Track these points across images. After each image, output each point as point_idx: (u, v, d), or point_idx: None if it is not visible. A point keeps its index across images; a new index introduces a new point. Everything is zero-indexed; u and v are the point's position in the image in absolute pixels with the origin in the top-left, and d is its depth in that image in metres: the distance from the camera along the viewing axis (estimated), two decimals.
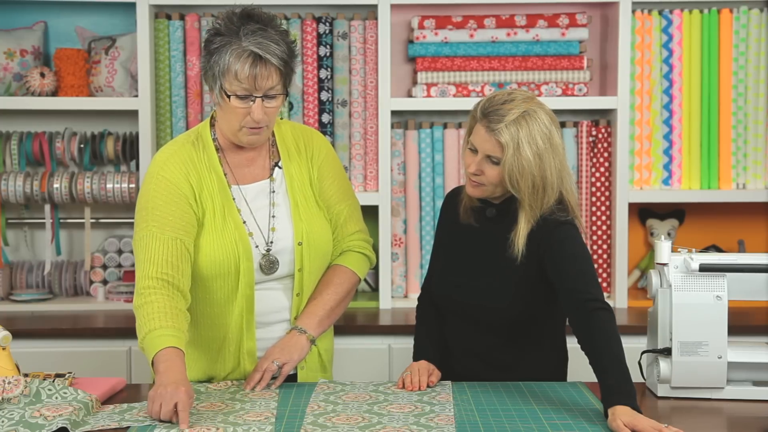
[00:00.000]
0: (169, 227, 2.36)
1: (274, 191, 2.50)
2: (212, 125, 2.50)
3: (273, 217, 2.48)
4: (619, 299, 3.63)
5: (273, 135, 2.53)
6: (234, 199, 2.45)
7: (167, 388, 2.12)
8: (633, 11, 3.62)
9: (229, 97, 2.34)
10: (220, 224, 2.42)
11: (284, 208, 2.49)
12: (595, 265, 3.20)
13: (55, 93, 3.64)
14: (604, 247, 3.69)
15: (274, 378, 2.42)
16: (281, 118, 2.55)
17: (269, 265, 2.46)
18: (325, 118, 3.64)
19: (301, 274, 2.49)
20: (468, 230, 2.53)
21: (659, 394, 2.41)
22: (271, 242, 2.47)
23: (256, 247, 2.45)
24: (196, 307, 2.47)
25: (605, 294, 3.45)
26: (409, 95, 3.71)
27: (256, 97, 2.33)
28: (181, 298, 2.34)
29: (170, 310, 2.29)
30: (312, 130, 2.61)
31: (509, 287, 2.45)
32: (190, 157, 2.44)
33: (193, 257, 2.41)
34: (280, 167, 2.51)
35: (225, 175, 2.46)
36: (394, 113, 3.66)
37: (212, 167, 2.45)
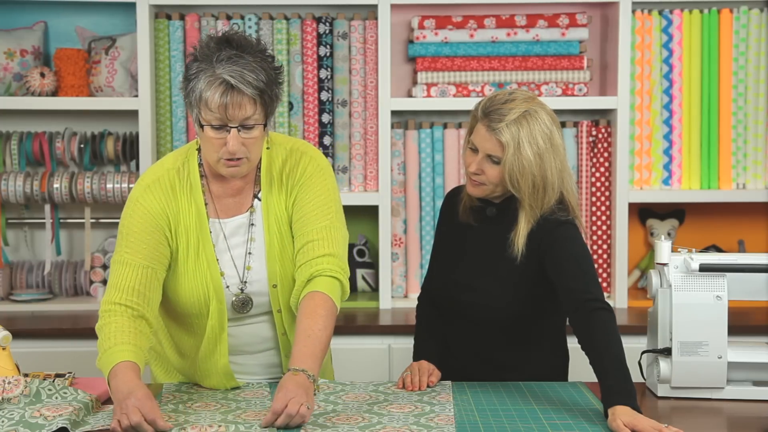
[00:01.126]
0: (141, 255, 2.29)
1: (253, 224, 2.38)
2: (199, 150, 2.39)
3: (249, 254, 2.38)
4: (619, 299, 3.63)
5: (260, 161, 2.38)
6: (211, 232, 2.36)
7: (124, 401, 2.06)
8: (633, 11, 3.62)
9: (203, 127, 2.22)
10: (193, 261, 2.34)
11: (261, 246, 2.37)
12: (595, 265, 3.20)
13: (55, 93, 3.63)
14: (604, 247, 3.69)
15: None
16: (266, 142, 2.39)
17: (241, 305, 2.37)
18: (325, 118, 3.64)
19: (281, 315, 2.40)
20: (468, 230, 2.53)
21: (659, 394, 2.41)
22: (246, 282, 2.37)
23: (228, 287, 2.36)
24: (172, 331, 2.46)
25: (605, 294, 3.45)
26: (409, 95, 3.71)
27: (232, 127, 2.20)
28: (144, 323, 2.26)
29: (128, 329, 2.22)
30: (306, 150, 2.42)
31: (509, 287, 2.45)
32: (172, 186, 2.35)
33: (164, 293, 2.35)
34: (260, 199, 2.38)
35: (206, 205, 2.36)
36: (394, 113, 3.65)
37: (193, 198, 2.35)
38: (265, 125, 2.26)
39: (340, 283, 2.31)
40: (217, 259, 2.36)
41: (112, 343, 2.20)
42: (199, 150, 2.38)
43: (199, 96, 2.19)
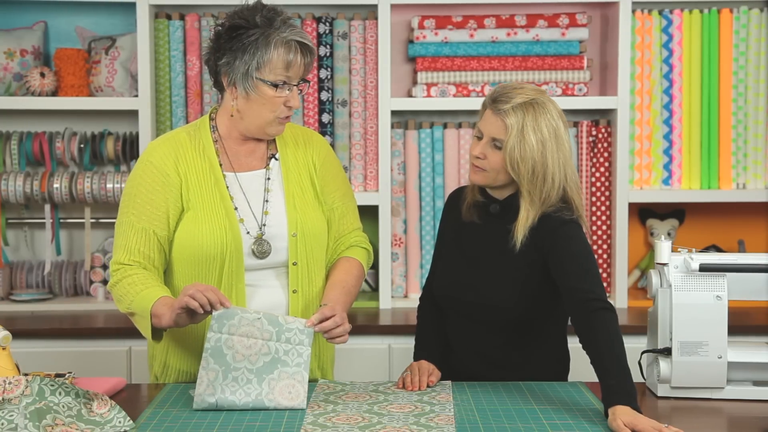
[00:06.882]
0: (145, 217, 2.40)
1: (269, 179, 2.49)
2: (211, 119, 2.51)
3: (267, 201, 2.47)
4: (619, 299, 3.63)
5: None
6: (228, 187, 2.45)
7: (194, 287, 2.21)
8: (633, 11, 3.62)
9: (275, 86, 2.36)
10: (209, 210, 2.42)
11: (279, 196, 2.48)
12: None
13: (55, 93, 3.64)
14: (604, 247, 3.69)
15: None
16: None
17: (261, 250, 2.44)
18: (325, 118, 3.64)
19: (297, 268, 2.46)
20: (471, 229, 2.53)
21: (659, 394, 2.41)
22: (264, 225, 2.45)
23: (247, 233, 2.43)
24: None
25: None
26: (409, 95, 3.71)
27: (293, 84, 2.39)
28: (155, 272, 2.41)
29: (147, 276, 2.37)
30: (309, 129, 2.63)
31: (511, 286, 2.44)
32: (181, 143, 2.46)
33: (178, 243, 2.42)
34: (276, 158, 2.52)
35: (220, 163, 2.46)
36: (394, 113, 3.66)
37: (206, 154, 2.46)
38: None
39: (368, 252, 2.63)
40: (236, 208, 2.44)
41: (139, 289, 2.34)
42: (211, 119, 2.50)
43: (268, 59, 2.34)
